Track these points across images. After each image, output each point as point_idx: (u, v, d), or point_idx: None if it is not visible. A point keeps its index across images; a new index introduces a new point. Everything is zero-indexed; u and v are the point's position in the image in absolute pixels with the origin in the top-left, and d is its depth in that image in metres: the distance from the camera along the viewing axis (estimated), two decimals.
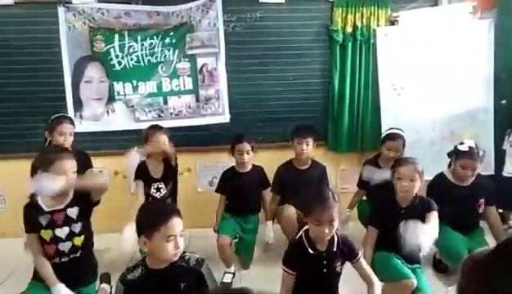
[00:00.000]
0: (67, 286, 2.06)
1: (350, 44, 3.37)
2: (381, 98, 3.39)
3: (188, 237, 3.05)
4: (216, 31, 3.30)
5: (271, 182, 3.09)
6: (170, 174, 2.96)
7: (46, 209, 2.04)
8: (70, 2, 3.15)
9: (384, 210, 2.37)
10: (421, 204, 2.33)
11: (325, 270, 1.92)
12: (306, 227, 1.95)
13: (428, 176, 2.66)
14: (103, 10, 3.19)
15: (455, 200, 2.57)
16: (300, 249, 1.91)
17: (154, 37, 3.26)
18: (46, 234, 2.06)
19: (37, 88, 3.26)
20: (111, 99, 3.32)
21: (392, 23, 3.39)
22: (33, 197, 2.09)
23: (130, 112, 3.36)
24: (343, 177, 3.59)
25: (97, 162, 3.32)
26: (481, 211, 2.74)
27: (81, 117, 3.31)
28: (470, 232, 2.72)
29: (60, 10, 3.15)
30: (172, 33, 3.27)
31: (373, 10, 3.33)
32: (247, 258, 2.98)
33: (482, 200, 2.71)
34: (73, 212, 2.08)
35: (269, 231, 2.94)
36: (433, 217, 2.26)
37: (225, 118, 3.42)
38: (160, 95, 3.36)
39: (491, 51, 3.34)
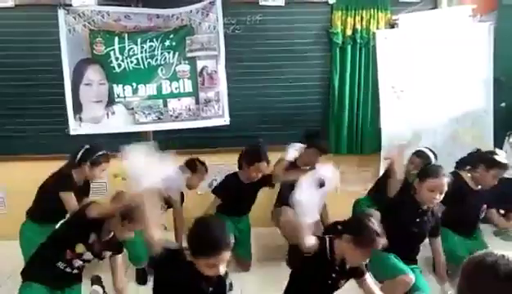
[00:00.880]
0: (59, 287, 2.16)
1: (350, 47, 3.37)
2: (381, 101, 3.38)
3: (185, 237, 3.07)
4: (216, 34, 3.30)
5: None
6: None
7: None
8: (70, 5, 3.15)
9: (401, 210, 2.35)
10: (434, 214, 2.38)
11: (330, 282, 1.97)
12: (329, 236, 1.98)
13: None
14: (103, 12, 3.19)
15: (467, 202, 2.63)
16: (322, 253, 1.93)
17: (154, 40, 3.26)
18: (79, 248, 2.09)
19: (37, 90, 3.26)
20: (111, 101, 3.31)
21: (392, 26, 3.40)
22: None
23: (130, 114, 3.35)
24: (342, 180, 3.57)
25: None
26: (482, 216, 2.78)
27: (80, 119, 3.31)
28: (471, 234, 2.73)
29: (61, 12, 3.15)
30: (172, 36, 3.28)
31: (373, 12, 3.34)
32: (246, 258, 2.97)
33: (485, 206, 2.75)
34: (105, 254, 2.19)
35: None
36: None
37: (225, 120, 3.41)
38: (160, 98, 3.36)
39: (491, 54, 3.35)
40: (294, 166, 3.09)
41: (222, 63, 3.34)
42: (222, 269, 1.63)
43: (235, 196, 2.92)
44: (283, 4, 3.32)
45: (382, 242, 1.84)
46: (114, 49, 3.25)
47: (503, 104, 3.33)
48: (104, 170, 2.76)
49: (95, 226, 2.05)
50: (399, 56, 3.34)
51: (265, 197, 3.16)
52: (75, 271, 2.17)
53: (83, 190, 2.82)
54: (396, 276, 2.19)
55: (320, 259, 1.90)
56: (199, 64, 3.35)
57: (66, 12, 3.16)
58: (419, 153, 2.97)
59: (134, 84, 3.31)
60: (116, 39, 3.24)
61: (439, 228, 2.43)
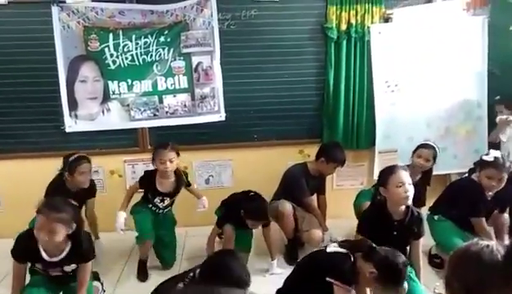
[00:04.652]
0: (63, 283, 2.22)
1: (345, 42, 3.37)
2: (375, 95, 3.40)
3: (185, 235, 3.09)
4: (211, 29, 3.29)
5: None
6: (178, 189, 2.99)
7: (46, 258, 2.07)
8: (64, 2, 3.12)
9: (375, 222, 2.33)
10: (412, 219, 2.32)
11: None
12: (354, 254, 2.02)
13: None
14: (97, 9, 3.18)
15: (479, 207, 2.65)
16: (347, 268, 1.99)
17: (149, 36, 3.25)
18: (37, 268, 2.16)
19: (31, 88, 3.24)
20: (106, 98, 3.31)
21: (387, 20, 3.40)
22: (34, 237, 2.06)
23: (125, 111, 3.35)
24: (338, 174, 3.59)
25: (93, 162, 3.32)
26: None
27: (76, 116, 3.30)
28: (469, 232, 2.74)
29: (54, 9, 3.13)
30: (166, 32, 3.26)
31: (367, 7, 3.32)
32: (246, 249, 2.96)
33: (496, 212, 2.79)
34: (69, 268, 2.15)
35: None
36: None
37: (220, 116, 3.41)
38: (156, 94, 3.35)
39: (485, 48, 3.36)
40: (307, 173, 3.12)
41: (217, 59, 3.33)
42: None
43: None
44: None
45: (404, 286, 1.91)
46: (108, 45, 3.23)
47: (497, 98, 3.34)
48: (83, 172, 2.78)
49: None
50: (393, 51, 3.34)
51: (263, 191, 3.15)
52: (64, 274, 2.19)
53: (81, 195, 2.85)
54: None
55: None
56: (195, 60, 3.34)
57: (60, 9, 3.14)
58: (425, 145, 2.98)
59: (129, 81, 3.30)
60: (111, 36, 3.22)
61: (421, 231, 2.39)
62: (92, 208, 3.01)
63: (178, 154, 2.87)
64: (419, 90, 3.38)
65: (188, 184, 3.07)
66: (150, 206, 2.94)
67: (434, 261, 2.84)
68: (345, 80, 3.43)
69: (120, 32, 3.22)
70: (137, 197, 3.02)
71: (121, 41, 3.23)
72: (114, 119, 3.34)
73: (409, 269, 2.36)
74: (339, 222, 3.32)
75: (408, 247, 2.42)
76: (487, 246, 1.04)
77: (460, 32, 3.36)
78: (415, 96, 3.40)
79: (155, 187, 2.89)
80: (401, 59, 3.35)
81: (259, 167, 3.46)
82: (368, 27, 3.33)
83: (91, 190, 2.96)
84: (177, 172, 2.94)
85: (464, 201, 2.67)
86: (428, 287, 2.31)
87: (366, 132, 3.51)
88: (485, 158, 2.61)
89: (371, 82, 3.40)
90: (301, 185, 3.07)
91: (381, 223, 2.28)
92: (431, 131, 3.40)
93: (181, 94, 3.38)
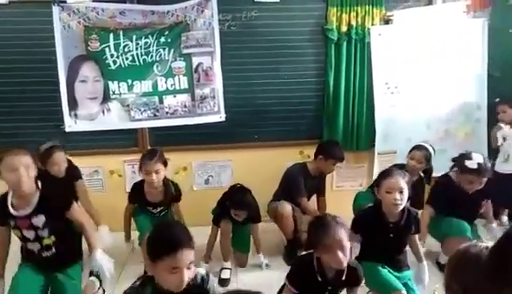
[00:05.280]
0: (49, 270, 2.17)
1: (345, 43, 3.38)
2: (375, 97, 3.41)
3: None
4: (211, 30, 3.30)
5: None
6: (170, 199, 2.88)
7: (13, 212, 2.03)
8: (65, 2, 3.13)
9: (370, 222, 2.29)
10: (409, 220, 2.31)
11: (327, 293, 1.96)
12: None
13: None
14: (98, 9, 3.18)
15: (460, 203, 2.64)
16: (308, 272, 1.91)
17: (150, 37, 3.26)
18: (15, 233, 2.11)
19: (32, 87, 3.25)
20: (106, 98, 3.31)
21: (387, 22, 3.40)
22: (6, 195, 2.06)
23: (125, 111, 3.35)
24: (338, 175, 3.61)
25: (93, 162, 3.34)
26: (481, 211, 2.83)
27: (76, 116, 3.30)
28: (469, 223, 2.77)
29: (55, 9, 3.14)
30: (167, 33, 3.27)
31: (367, 9, 3.33)
32: (245, 250, 2.99)
33: (484, 201, 2.78)
34: (38, 221, 2.07)
35: None
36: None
37: (220, 116, 3.42)
38: (156, 95, 3.36)
39: (485, 50, 3.37)
40: (306, 173, 3.14)
41: (217, 59, 3.34)
42: (186, 277, 1.45)
43: None
44: (278, 0, 3.31)
45: (337, 232, 1.78)
46: (109, 46, 3.24)
47: (497, 100, 3.35)
48: (56, 163, 2.72)
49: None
50: (393, 53, 3.35)
51: (263, 192, 3.16)
52: (46, 253, 2.13)
53: (65, 180, 2.81)
54: (387, 292, 2.20)
55: (312, 282, 1.90)
56: (195, 61, 3.35)
57: (61, 9, 3.15)
58: (418, 147, 2.99)
59: (129, 81, 3.31)
60: (111, 36, 3.23)
61: (418, 228, 2.38)
62: (84, 195, 2.94)
63: (166, 165, 2.75)
64: (419, 92, 3.40)
65: (176, 199, 2.91)
66: (146, 211, 2.92)
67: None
68: (345, 81, 3.43)
69: (121, 32, 3.23)
70: None
71: (121, 41, 3.24)
72: (114, 119, 3.35)
73: (408, 274, 2.37)
74: None
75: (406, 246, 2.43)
76: (486, 247, 1.05)
77: (460, 34, 3.37)
78: (414, 98, 3.41)
79: (145, 198, 2.83)
80: (401, 61, 3.36)
81: (259, 168, 3.47)
82: (368, 29, 3.34)
83: (73, 174, 2.89)
84: (165, 181, 2.80)
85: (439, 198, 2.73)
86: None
87: (365, 134, 3.52)
88: (468, 164, 2.54)
89: (371, 83, 3.41)
90: (298, 184, 3.08)
91: (376, 223, 2.26)
92: (430, 133, 3.41)
93: (181, 94, 3.38)
